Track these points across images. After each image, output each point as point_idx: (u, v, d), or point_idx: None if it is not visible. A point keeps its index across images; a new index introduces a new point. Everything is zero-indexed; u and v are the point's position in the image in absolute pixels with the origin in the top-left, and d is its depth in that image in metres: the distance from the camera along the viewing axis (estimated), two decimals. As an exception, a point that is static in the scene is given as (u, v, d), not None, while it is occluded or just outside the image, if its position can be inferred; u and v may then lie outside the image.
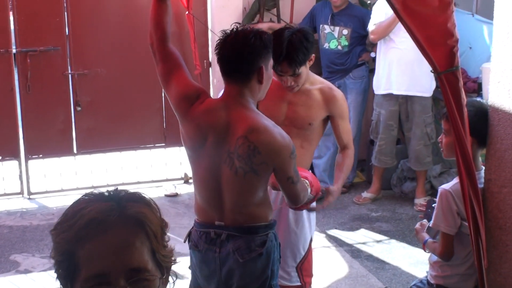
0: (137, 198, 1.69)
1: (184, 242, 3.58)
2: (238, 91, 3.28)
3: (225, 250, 3.34)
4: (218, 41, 3.30)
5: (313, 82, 4.03)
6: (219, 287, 3.43)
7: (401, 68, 6.55)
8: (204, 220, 3.43)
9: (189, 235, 3.54)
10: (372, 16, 6.70)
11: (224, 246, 3.34)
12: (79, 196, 1.69)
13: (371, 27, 6.67)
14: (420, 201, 6.66)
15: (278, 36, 3.77)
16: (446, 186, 3.60)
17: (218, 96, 3.53)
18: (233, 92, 3.29)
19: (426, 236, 3.77)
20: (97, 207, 1.61)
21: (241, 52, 3.23)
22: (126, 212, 1.62)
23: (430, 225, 3.66)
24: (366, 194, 7.06)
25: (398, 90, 6.65)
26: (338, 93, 4.11)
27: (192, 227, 3.54)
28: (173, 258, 1.72)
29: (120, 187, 1.70)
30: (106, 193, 1.67)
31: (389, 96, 6.73)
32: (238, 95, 3.28)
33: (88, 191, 1.72)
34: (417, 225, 3.89)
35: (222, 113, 3.27)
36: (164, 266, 1.68)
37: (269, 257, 3.38)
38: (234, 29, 3.28)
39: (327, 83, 4.14)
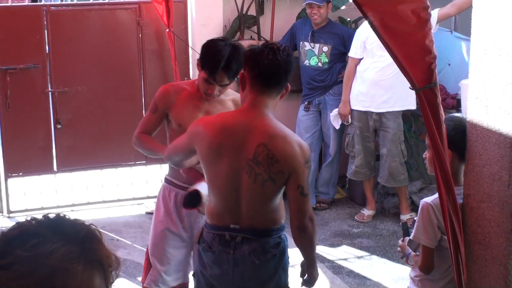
0: (93, 236, 1.63)
1: (196, 243, 3.73)
2: (266, 102, 3.43)
3: (239, 252, 3.48)
4: (257, 51, 3.41)
5: (227, 93, 4.19)
6: (229, 287, 3.57)
7: (378, 87, 6.63)
8: (217, 223, 3.54)
9: (200, 236, 3.66)
10: (352, 43, 6.78)
11: (239, 248, 3.48)
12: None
13: (350, 54, 6.81)
14: (406, 216, 6.69)
15: (216, 47, 3.94)
16: (428, 199, 3.62)
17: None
18: (260, 103, 3.43)
19: (408, 249, 3.79)
20: (60, 254, 1.52)
21: (285, 66, 3.40)
22: (90, 257, 1.57)
23: (411, 238, 3.68)
24: (367, 212, 7.07)
25: (375, 108, 6.72)
26: None
27: (203, 228, 3.65)
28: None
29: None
30: (60, 227, 1.59)
31: (366, 113, 6.79)
32: (263, 106, 3.43)
33: (67, 209, 1.67)
34: (400, 242, 3.90)
35: (241, 121, 3.42)
36: None
37: (282, 258, 3.55)
38: (272, 44, 3.45)
39: (238, 95, 4.32)
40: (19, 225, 1.61)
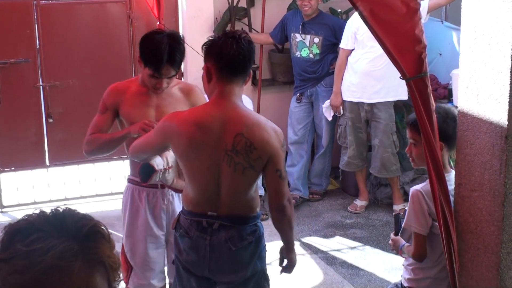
0: (96, 233, 1.59)
1: (172, 229, 3.78)
2: (234, 92, 3.48)
3: (216, 238, 3.53)
4: (219, 41, 3.45)
5: (171, 82, 4.17)
6: (204, 273, 3.62)
7: (370, 78, 6.63)
8: (195, 210, 3.59)
9: (177, 222, 3.69)
10: (343, 34, 6.78)
11: (215, 235, 3.53)
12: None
13: (341, 45, 6.78)
14: (399, 207, 6.70)
15: (155, 41, 3.94)
16: (417, 186, 3.64)
17: None
18: (229, 94, 3.47)
19: (402, 241, 3.79)
20: (58, 251, 1.50)
21: (248, 54, 3.46)
22: (89, 256, 1.54)
23: (403, 226, 3.69)
24: (360, 202, 7.08)
25: (366, 98, 6.72)
26: (195, 85, 4.34)
27: (180, 214, 3.70)
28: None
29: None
30: (63, 223, 1.56)
31: (358, 104, 6.80)
32: (233, 96, 3.47)
33: (59, 204, 1.65)
34: (392, 235, 3.91)
35: (215, 115, 3.45)
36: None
37: (258, 245, 3.60)
38: (233, 33, 3.50)
39: (183, 82, 4.38)
40: (25, 217, 1.60)
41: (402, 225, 3.71)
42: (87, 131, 4.23)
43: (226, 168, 3.43)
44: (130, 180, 4.30)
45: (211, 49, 3.47)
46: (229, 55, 3.41)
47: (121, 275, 1.65)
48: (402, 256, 3.88)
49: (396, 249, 3.87)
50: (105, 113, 4.19)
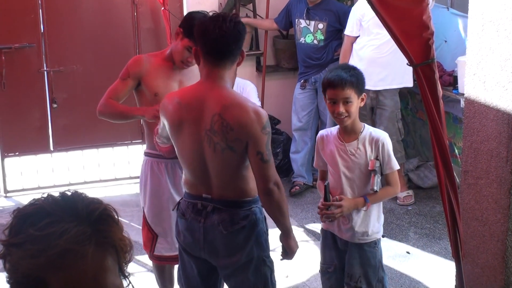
0: (107, 217, 1.62)
1: (173, 210, 3.89)
2: (220, 74, 3.45)
3: (210, 221, 3.54)
4: (204, 24, 3.43)
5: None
6: (201, 255, 3.64)
7: (375, 65, 6.60)
8: (192, 192, 3.63)
9: (178, 204, 3.76)
10: (348, 21, 6.73)
11: (209, 218, 3.55)
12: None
13: (346, 32, 6.74)
14: (403, 194, 6.69)
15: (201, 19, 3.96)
16: (381, 133, 3.92)
17: None
18: (215, 76, 3.45)
19: (350, 200, 3.86)
20: (72, 235, 1.52)
21: (234, 36, 3.41)
22: (101, 239, 1.57)
23: (388, 172, 3.82)
24: None
25: (372, 86, 6.69)
26: None
27: (182, 198, 3.75)
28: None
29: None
30: (74, 207, 1.57)
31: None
32: (218, 78, 3.45)
33: (63, 189, 1.66)
34: (320, 205, 3.93)
35: (198, 94, 3.46)
36: (124, 274, 1.67)
37: (252, 230, 3.56)
38: (218, 16, 3.44)
39: None
40: (35, 202, 1.61)
41: (387, 170, 3.84)
42: (104, 94, 4.33)
43: (207, 148, 3.44)
44: (147, 154, 4.45)
45: (197, 32, 3.47)
46: (211, 40, 3.39)
47: (131, 256, 1.67)
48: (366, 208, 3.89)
49: (359, 203, 3.88)
50: (126, 80, 4.27)
